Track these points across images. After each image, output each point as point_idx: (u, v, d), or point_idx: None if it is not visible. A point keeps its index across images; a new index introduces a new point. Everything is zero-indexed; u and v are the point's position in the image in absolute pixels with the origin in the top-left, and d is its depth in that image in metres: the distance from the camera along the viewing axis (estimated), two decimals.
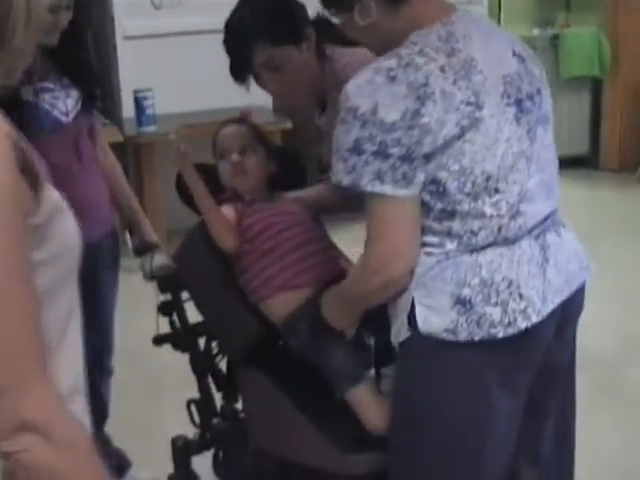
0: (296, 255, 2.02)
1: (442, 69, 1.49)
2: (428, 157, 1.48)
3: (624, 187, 6.10)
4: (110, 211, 2.56)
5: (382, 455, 1.76)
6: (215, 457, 2.38)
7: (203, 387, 2.33)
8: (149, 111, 4.84)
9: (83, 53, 2.48)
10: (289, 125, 5.20)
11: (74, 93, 2.40)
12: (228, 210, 2.10)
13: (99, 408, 2.73)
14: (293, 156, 2.54)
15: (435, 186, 1.51)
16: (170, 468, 2.60)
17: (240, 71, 2.03)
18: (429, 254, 1.56)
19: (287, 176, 2.30)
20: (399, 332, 1.60)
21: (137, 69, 5.14)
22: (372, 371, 1.90)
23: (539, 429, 1.75)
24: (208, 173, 2.22)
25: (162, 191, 4.99)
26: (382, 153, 1.46)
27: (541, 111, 1.63)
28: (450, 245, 1.54)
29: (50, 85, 2.35)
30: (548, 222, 1.64)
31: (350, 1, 1.58)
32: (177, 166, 2.14)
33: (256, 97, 5.98)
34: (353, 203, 1.86)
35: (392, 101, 1.46)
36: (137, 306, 3.10)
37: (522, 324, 1.53)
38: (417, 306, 1.55)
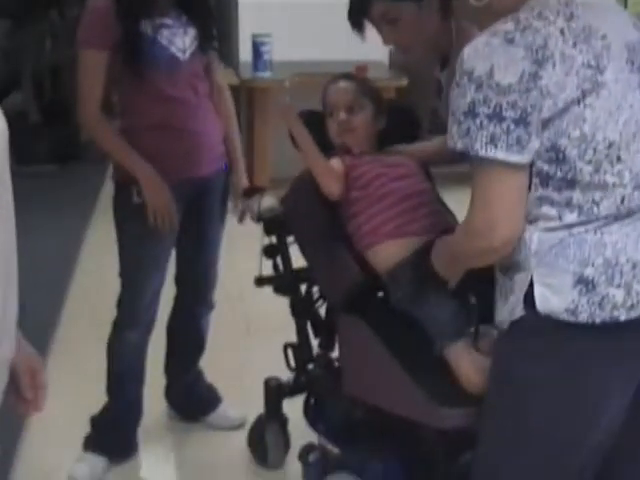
0: (407, 204, 2.04)
1: (562, 31, 1.44)
2: (546, 123, 1.44)
3: None
4: (223, 148, 2.59)
5: (473, 411, 1.75)
6: (306, 402, 2.41)
7: (302, 332, 2.36)
8: (266, 56, 4.86)
9: None
10: (404, 82, 5.15)
11: (191, 31, 2.43)
12: (336, 162, 2.12)
13: (197, 340, 2.81)
14: (406, 111, 2.52)
15: (554, 153, 1.46)
16: (259, 409, 2.66)
17: (357, 19, 2.01)
18: (550, 229, 1.51)
19: (399, 131, 2.29)
20: (513, 310, 1.55)
21: (257, 14, 5.16)
22: (472, 329, 1.88)
23: None
24: (318, 121, 2.24)
25: (271, 138, 5.03)
26: (497, 116, 1.43)
27: None
28: (570, 217, 1.49)
29: (169, 21, 2.38)
30: None
31: None
32: (281, 118, 2.16)
33: (373, 52, 5.96)
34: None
35: (508, 63, 1.42)
36: (235, 248, 3.17)
37: None
38: (536, 285, 1.50)
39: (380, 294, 2.10)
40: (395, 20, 1.96)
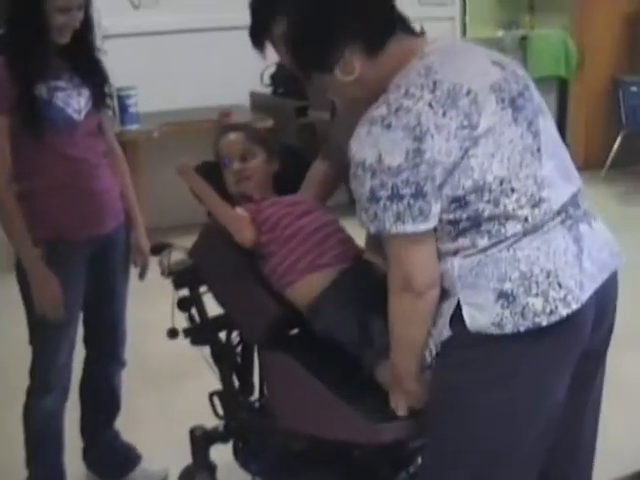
0: (316, 238, 2.11)
1: (430, 105, 1.56)
2: (441, 185, 1.58)
3: (590, 185, 6.23)
4: (121, 204, 2.60)
5: (410, 423, 1.85)
6: (235, 446, 2.42)
7: (226, 378, 2.38)
8: (132, 109, 4.86)
9: (92, 52, 2.52)
10: (269, 123, 5.26)
11: (85, 92, 2.45)
12: (240, 211, 2.18)
13: (111, 400, 2.78)
14: (294, 151, 2.62)
15: (457, 203, 1.60)
16: (179, 461, 2.66)
17: (259, 38, 1.90)
18: (468, 256, 1.64)
19: (291, 172, 2.37)
20: (441, 332, 1.68)
21: (119, 68, 5.13)
22: None
23: (579, 416, 1.85)
24: (216, 171, 2.31)
25: (146, 189, 5.01)
26: (396, 196, 1.56)
27: (534, 103, 1.71)
28: (482, 242, 1.62)
29: (62, 84, 2.39)
30: (577, 213, 1.72)
31: (330, 62, 1.66)
32: (180, 176, 2.21)
33: (235, 96, 6.06)
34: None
35: (392, 147, 1.55)
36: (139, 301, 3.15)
37: (563, 311, 1.60)
38: (463, 306, 1.63)
39: (296, 330, 2.18)
40: None
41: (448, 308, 1.66)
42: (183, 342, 2.45)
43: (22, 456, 2.57)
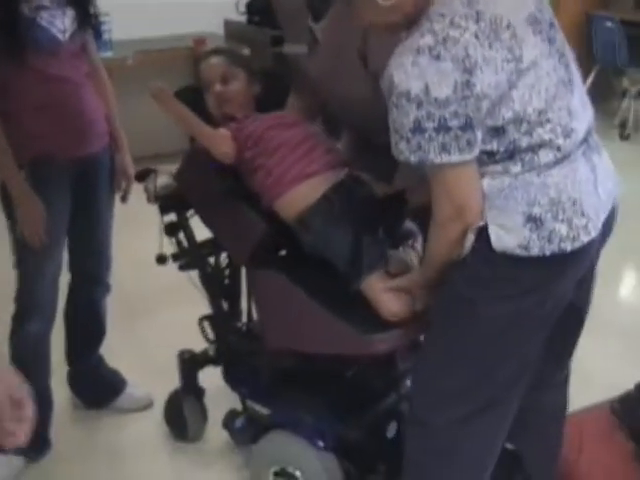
0: (303, 148, 2.11)
1: (476, 36, 1.55)
2: (485, 117, 1.58)
3: None
4: (106, 126, 2.56)
5: (402, 332, 1.89)
6: (226, 369, 2.44)
7: (216, 302, 2.38)
8: (106, 36, 4.75)
9: None
10: (246, 51, 5.17)
11: (70, 12, 2.38)
12: (222, 130, 2.17)
13: (97, 325, 2.77)
14: (276, 76, 2.59)
15: (495, 132, 1.61)
16: (165, 386, 2.68)
17: None
18: (497, 178, 1.66)
19: (272, 97, 2.35)
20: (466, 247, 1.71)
21: None
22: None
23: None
24: (191, 96, 2.28)
25: (120, 117, 4.93)
26: (443, 127, 1.55)
27: (561, 34, 1.72)
28: (515, 168, 1.65)
29: (47, 3, 2.32)
30: (592, 143, 1.76)
31: None
32: (156, 101, 2.17)
33: (209, 24, 5.93)
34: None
35: (441, 78, 1.52)
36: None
37: (585, 238, 1.66)
38: (490, 226, 1.66)
39: (284, 251, 2.18)
40: None
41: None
42: (160, 272, 2.44)
43: None
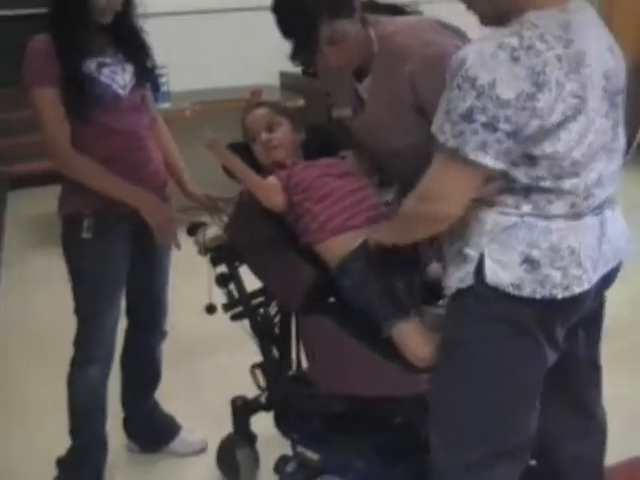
0: (351, 199, 2.18)
1: (559, 58, 1.56)
2: (528, 138, 1.59)
3: None
4: (166, 176, 2.64)
5: None
6: (277, 415, 2.47)
7: (266, 350, 2.43)
8: (164, 88, 4.89)
9: (134, 30, 2.55)
10: (300, 102, 5.28)
11: (129, 67, 2.48)
12: (272, 179, 2.24)
13: (152, 370, 2.83)
14: (322, 130, 2.66)
15: (528, 161, 1.62)
16: (216, 433, 2.72)
17: (306, 50, 2.07)
18: (505, 214, 1.68)
19: (319, 150, 2.41)
20: (464, 278, 1.73)
21: (152, 46, 5.19)
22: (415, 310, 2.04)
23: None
24: (245, 151, 2.36)
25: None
26: (491, 126, 1.55)
27: (623, 106, 1.75)
28: (525, 208, 1.66)
29: (108, 60, 2.42)
30: (607, 200, 1.76)
31: None
32: (210, 151, 2.24)
33: (264, 76, 6.07)
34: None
35: (511, 80, 1.53)
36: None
37: (576, 289, 1.68)
38: (487, 260, 1.68)
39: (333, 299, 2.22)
40: (339, 40, 2.05)
41: (473, 257, 1.71)
42: (214, 318, 2.50)
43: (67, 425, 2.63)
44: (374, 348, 2.02)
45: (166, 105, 4.94)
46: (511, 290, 1.67)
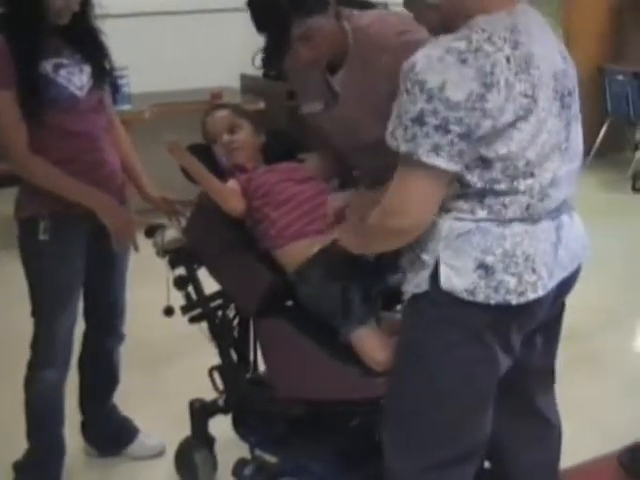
0: (310, 205, 2.21)
1: (507, 59, 1.59)
2: (480, 139, 1.60)
3: None
4: (123, 179, 2.62)
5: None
6: (235, 418, 2.48)
7: (225, 353, 2.43)
8: (124, 90, 4.86)
9: (92, 31, 2.54)
10: (261, 105, 5.29)
11: (87, 68, 2.47)
12: (232, 183, 2.25)
13: (110, 374, 2.81)
14: (281, 134, 2.68)
15: (482, 164, 1.63)
16: (175, 437, 2.71)
17: (279, 49, 2.06)
18: (460, 219, 1.70)
19: (279, 153, 2.44)
20: (420, 284, 1.74)
21: (112, 48, 5.16)
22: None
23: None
24: (205, 152, 2.38)
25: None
26: (443, 128, 1.57)
27: (576, 106, 1.78)
28: (481, 213, 1.68)
29: (65, 61, 2.41)
30: (564, 204, 1.79)
31: None
32: (171, 154, 2.28)
33: (225, 78, 6.05)
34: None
35: (460, 81, 1.55)
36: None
37: (531, 295, 1.70)
38: (442, 265, 1.70)
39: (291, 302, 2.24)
40: (312, 36, 2.04)
41: (429, 262, 1.72)
42: (173, 321, 2.50)
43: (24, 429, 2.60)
44: (332, 352, 2.04)
45: (126, 107, 4.91)
46: (465, 296, 1.68)
